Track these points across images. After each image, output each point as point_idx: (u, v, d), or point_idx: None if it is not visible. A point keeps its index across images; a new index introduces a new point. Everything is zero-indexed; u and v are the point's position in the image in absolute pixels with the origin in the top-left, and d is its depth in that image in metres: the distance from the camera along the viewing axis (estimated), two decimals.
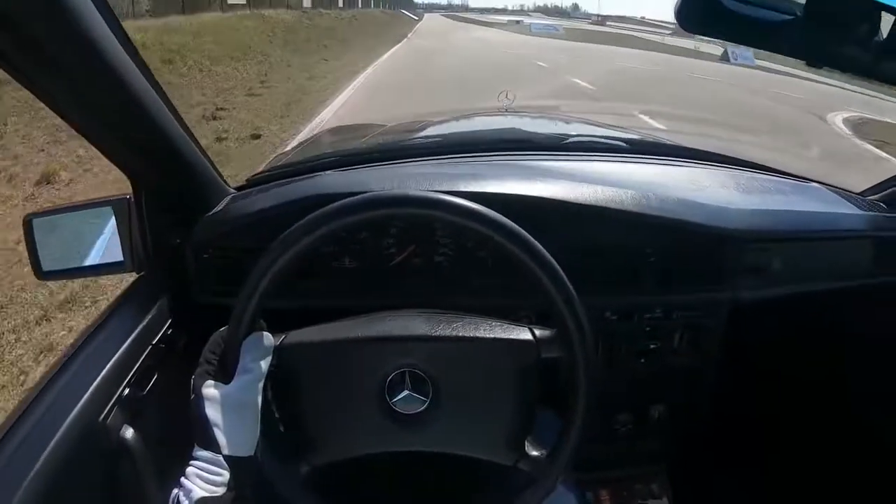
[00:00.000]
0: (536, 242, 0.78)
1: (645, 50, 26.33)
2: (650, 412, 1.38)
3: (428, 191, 0.80)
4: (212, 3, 17.47)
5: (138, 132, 0.91)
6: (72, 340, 0.95)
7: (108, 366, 0.90)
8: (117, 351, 0.93)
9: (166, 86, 0.89)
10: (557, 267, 0.79)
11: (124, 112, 0.85)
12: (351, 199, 0.78)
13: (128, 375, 0.93)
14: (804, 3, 0.66)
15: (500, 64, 16.21)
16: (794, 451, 1.45)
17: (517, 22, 53.48)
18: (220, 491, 0.72)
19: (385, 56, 18.09)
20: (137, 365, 0.96)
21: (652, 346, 1.24)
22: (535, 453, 0.84)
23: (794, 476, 1.43)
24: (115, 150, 0.94)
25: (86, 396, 0.84)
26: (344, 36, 22.60)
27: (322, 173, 1.23)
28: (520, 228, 0.78)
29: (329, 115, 8.44)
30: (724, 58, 22.17)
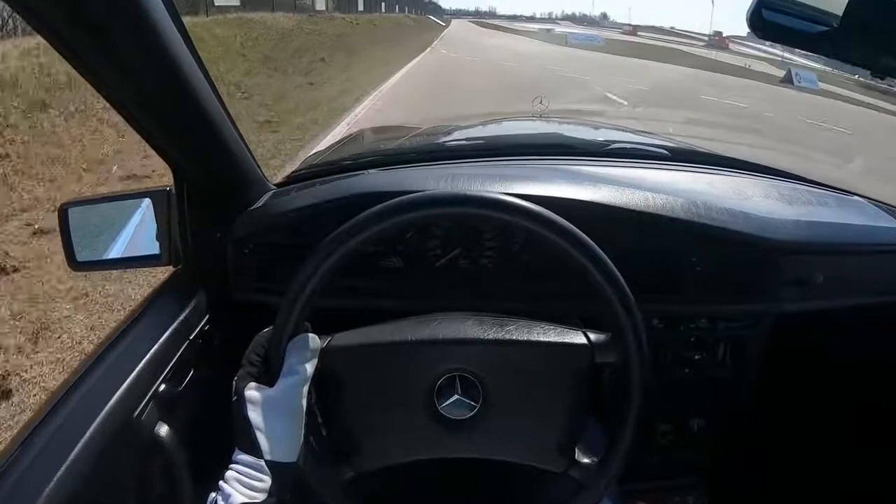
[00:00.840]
0: (594, 244, 0.76)
1: (704, 70, 20.77)
2: (690, 423, 1.36)
3: (484, 192, 0.78)
4: (200, 5, 13.79)
5: (187, 122, 0.90)
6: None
7: (144, 360, 0.89)
8: (153, 345, 0.92)
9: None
10: (616, 270, 0.76)
11: (175, 101, 0.84)
12: (410, 196, 0.76)
13: (164, 371, 0.92)
14: (841, 15, 0.64)
15: (562, 97, 10.48)
16: (836, 467, 1.41)
17: (548, 31, 49.80)
18: (261, 497, 0.69)
19: (398, 75, 14.00)
20: (174, 360, 0.95)
21: (696, 357, 1.22)
22: (585, 461, 0.82)
23: (834, 493, 1.39)
24: (161, 139, 0.93)
25: (121, 390, 0.83)
26: (354, 45, 18.30)
27: (364, 172, 1.22)
28: (577, 229, 0.76)
29: None
30: (787, 80, 19.69)
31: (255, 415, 0.72)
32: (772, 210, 1.17)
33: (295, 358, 0.75)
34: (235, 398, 0.74)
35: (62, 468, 0.71)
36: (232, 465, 0.71)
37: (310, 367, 0.75)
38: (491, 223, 1.04)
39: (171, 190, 1.04)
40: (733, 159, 1.46)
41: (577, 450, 0.82)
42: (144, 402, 0.86)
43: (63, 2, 0.63)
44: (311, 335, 0.77)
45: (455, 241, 1.08)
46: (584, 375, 0.81)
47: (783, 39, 0.74)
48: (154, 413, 0.88)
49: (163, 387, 0.91)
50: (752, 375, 1.26)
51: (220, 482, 0.70)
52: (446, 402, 0.78)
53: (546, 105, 1.94)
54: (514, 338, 0.80)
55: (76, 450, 0.74)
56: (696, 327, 1.19)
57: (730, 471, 1.46)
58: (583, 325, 0.85)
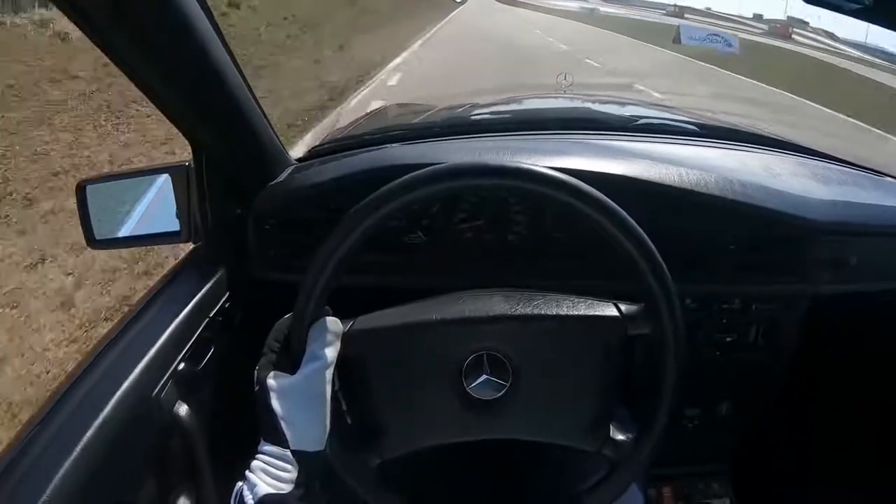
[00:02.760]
0: (623, 211, 0.74)
1: None
2: (718, 407, 1.33)
3: (509, 162, 0.75)
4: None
5: (207, 95, 0.88)
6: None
7: (164, 338, 0.88)
8: (173, 323, 0.91)
9: None
10: (646, 237, 0.74)
11: (194, 73, 0.82)
12: (431, 168, 0.74)
13: (183, 349, 0.91)
14: None
15: None
16: (865, 456, 1.38)
17: (591, 11, 36.10)
18: (288, 488, 0.68)
19: None
20: (193, 338, 0.94)
21: (728, 339, 1.19)
22: (620, 437, 0.80)
23: (862, 482, 1.36)
24: (181, 114, 0.91)
25: (139, 368, 0.82)
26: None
27: (387, 146, 1.20)
28: (607, 198, 0.74)
29: None
30: None
31: (278, 404, 0.70)
32: (806, 189, 1.14)
33: (317, 343, 0.73)
34: (258, 387, 0.72)
35: (80, 444, 0.71)
36: (258, 456, 0.70)
37: (333, 352, 0.73)
38: (518, 194, 1.01)
39: (190, 165, 1.02)
40: (765, 136, 1.43)
41: (612, 427, 0.80)
42: (164, 380, 0.86)
43: None
44: (332, 318, 0.75)
45: (481, 214, 1.06)
46: (617, 349, 0.78)
47: (830, 5, 0.72)
48: (173, 391, 0.88)
49: (182, 365, 0.90)
50: (784, 359, 1.23)
51: (247, 472, 0.69)
52: (474, 383, 0.76)
53: (571, 80, 1.90)
54: (542, 312, 0.77)
55: (94, 426, 0.73)
56: (728, 308, 1.16)
57: (756, 457, 1.45)
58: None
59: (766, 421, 1.37)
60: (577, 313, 0.77)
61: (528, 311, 0.77)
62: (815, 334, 1.21)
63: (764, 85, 11.46)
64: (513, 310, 0.77)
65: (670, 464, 1.37)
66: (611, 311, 0.78)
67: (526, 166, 0.74)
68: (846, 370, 1.36)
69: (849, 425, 1.40)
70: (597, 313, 0.78)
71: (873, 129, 7.94)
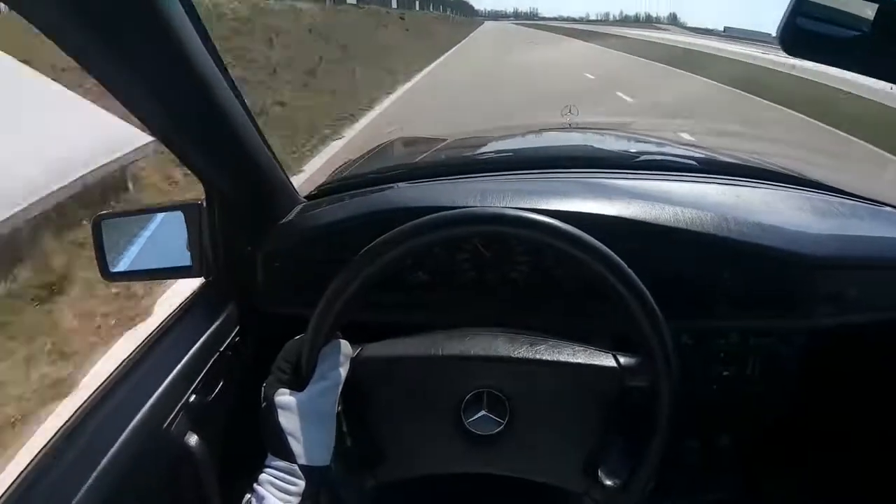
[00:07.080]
0: (626, 265, 0.76)
1: None
2: (719, 440, 1.34)
3: (513, 209, 0.79)
4: None
5: (217, 137, 0.90)
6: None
7: (175, 371, 0.90)
8: (184, 356, 0.93)
9: None
10: (647, 293, 0.76)
11: (204, 116, 0.85)
12: (448, 212, 0.77)
13: (194, 382, 0.93)
14: (872, 19, 0.63)
15: None
16: (864, 484, 1.37)
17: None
18: (295, 501, 0.71)
19: None
20: (204, 371, 0.96)
21: (725, 373, 1.20)
22: (608, 482, 0.81)
23: None
24: (192, 155, 0.94)
25: (151, 401, 0.84)
26: None
27: (393, 185, 1.22)
28: (609, 250, 0.76)
29: None
30: None
31: (286, 420, 0.73)
32: (802, 223, 1.14)
33: (327, 363, 0.76)
34: (265, 404, 0.75)
35: (92, 477, 0.73)
36: (266, 469, 0.72)
37: (342, 373, 0.76)
38: (520, 240, 1.03)
39: (202, 204, 1.05)
40: (763, 170, 1.44)
41: (600, 471, 0.82)
42: (175, 412, 0.88)
43: (88, 24, 0.64)
44: (343, 342, 0.78)
45: (483, 254, 1.08)
46: (612, 398, 0.80)
47: (814, 54, 0.72)
48: (184, 423, 0.90)
49: (193, 398, 0.92)
50: (783, 392, 1.24)
51: (255, 485, 0.71)
52: (473, 418, 0.78)
53: (576, 113, 1.93)
54: (543, 358, 0.80)
55: (107, 458, 0.75)
56: (725, 343, 1.17)
57: (758, 489, 1.44)
58: (613, 343, 0.85)
59: (769, 453, 1.37)
60: (575, 361, 0.80)
61: (530, 354, 0.80)
62: (813, 366, 1.22)
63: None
64: (515, 352, 0.80)
65: (672, 495, 1.38)
66: (609, 361, 0.80)
67: (528, 215, 0.77)
68: (845, 402, 1.36)
69: (850, 456, 1.39)
70: (594, 363, 0.80)
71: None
